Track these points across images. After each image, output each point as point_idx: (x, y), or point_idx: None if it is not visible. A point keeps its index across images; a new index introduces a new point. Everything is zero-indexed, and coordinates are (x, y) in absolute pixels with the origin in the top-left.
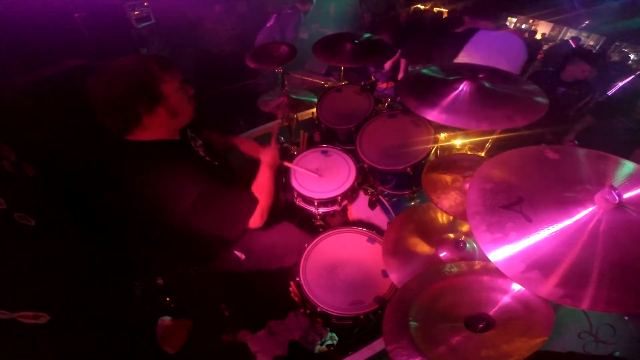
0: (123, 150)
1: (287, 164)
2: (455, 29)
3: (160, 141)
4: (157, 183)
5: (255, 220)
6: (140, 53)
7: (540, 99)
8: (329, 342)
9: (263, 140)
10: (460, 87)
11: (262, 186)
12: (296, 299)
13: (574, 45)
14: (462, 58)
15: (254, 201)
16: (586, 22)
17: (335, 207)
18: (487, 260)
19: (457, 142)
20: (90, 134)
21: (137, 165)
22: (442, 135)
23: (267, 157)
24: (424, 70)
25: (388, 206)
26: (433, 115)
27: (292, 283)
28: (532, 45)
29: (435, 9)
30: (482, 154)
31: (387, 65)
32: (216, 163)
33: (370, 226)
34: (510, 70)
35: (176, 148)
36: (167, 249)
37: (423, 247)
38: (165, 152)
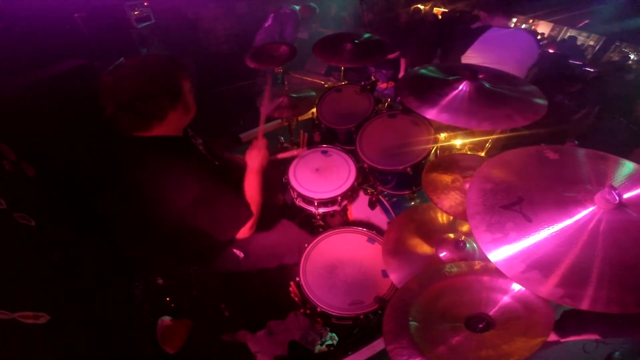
0: (128, 147)
1: (280, 155)
2: (471, 25)
3: (166, 137)
4: (160, 177)
5: (245, 232)
6: (140, 53)
7: (539, 101)
8: (329, 342)
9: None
10: (460, 87)
11: (251, 198)
12: (296, 299)
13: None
14: (470, 54)
15: (250, 213)
16: (585, 22)
17: (335, 207)
18: (487, 260)
19: (457, 142)
20: (91, 132)
21: (142, 160)
22: (442, 135)
23: (252, 160)
24: (422, 71)
25: (388, 206)
26: (433, 114)
27: (292, 283)
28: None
29: (435, 9)
30: (482, 154)
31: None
32: (216, 162)
33: (370, 226)
34: (517, 68)
35: (180, 144)
36: (167, 248)
37: (423, 247)
38: (169, 148)
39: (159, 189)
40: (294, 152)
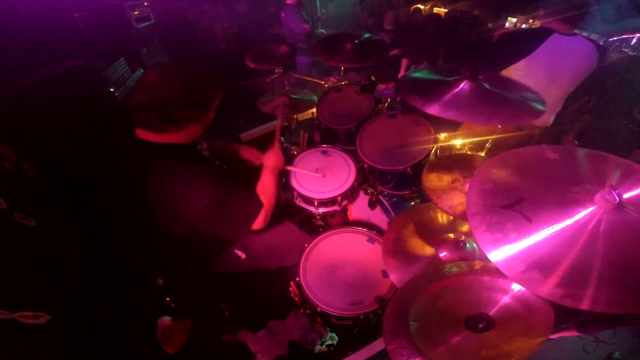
0: (133, 148)
1: (289, 167)
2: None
3: (176, 144)
4: (170, 183)
5: (259, 223)
6: (140, 53)
7: (537, 105)
8: (329, 342)
9: (264, 141)
10: (460, 87)
11: (265, 191)
12: (296, 299)
13: None
14: (528, 63)
15: (259, 205)
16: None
17: (335, 207)
18: (487, 260)
19: (457, 142)
20: (92, 132)
21: (150, 164)
22: (442, 135)
23: (269, 160)
24: (416, 74)
25: (388, 206)
26: (435, 109)
27: (292, 283)
28: None
29: (435, 9)
30: (482, 154)
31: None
32: (225, 167)
33: (370, 226)
34: (569, 83)
35: (186, 151)
36: (169, 250)
37: (423, 247)
38: (176, 153)
39: (170, 193)
40: (305, 172)
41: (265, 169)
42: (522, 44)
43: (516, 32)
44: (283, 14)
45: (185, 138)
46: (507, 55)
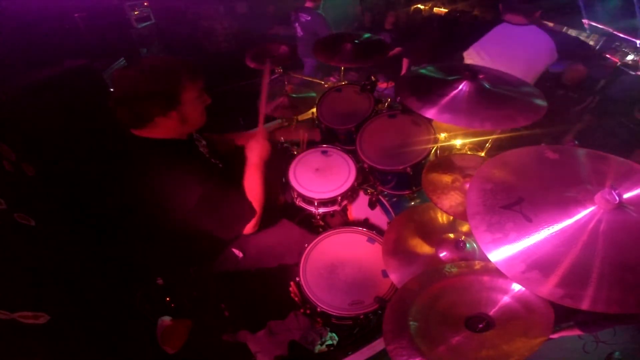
0: (129, 147)
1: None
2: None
3: (168, 140)
4: (162, 180)
5: (249, 228)
6: (140, 53)
7: (539, 102)
8: (329, 342)
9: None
10: (460, 87)
11: (252, 193)
12: (296, 299)
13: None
14: (473, 51)
15: (253, 210)
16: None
17: (335, 207)
18: (487, 260)
19: (457, 142)
20: (91, 132)
21: (144, 162)
22: (442, 135)
23: (253, 153)
24: (422, 71)
25: (388, 206)
26: (433, 113)
27: (292, 283)
28: None
29: (435, 9)
30: (482, 154)
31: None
32: (220, 165)
33: (370, 226)
34: (525, 70)
35: (182, 148)
36: (166, 248)
37: (423, 247)
38: (171, 150)
39: (160, 190)
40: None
41: (249, 166)
42: (473, 32)
43: (472, 22)
44: (309, 17)
45: (168, 133)
46: (460, 41)
